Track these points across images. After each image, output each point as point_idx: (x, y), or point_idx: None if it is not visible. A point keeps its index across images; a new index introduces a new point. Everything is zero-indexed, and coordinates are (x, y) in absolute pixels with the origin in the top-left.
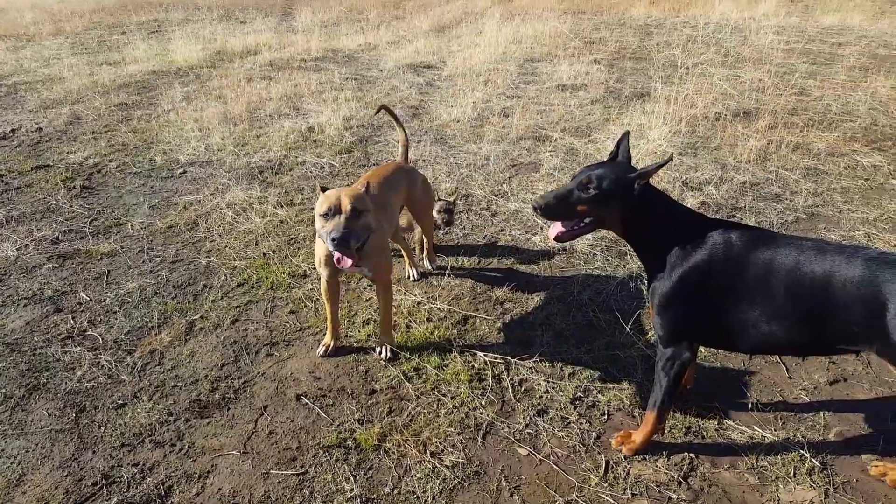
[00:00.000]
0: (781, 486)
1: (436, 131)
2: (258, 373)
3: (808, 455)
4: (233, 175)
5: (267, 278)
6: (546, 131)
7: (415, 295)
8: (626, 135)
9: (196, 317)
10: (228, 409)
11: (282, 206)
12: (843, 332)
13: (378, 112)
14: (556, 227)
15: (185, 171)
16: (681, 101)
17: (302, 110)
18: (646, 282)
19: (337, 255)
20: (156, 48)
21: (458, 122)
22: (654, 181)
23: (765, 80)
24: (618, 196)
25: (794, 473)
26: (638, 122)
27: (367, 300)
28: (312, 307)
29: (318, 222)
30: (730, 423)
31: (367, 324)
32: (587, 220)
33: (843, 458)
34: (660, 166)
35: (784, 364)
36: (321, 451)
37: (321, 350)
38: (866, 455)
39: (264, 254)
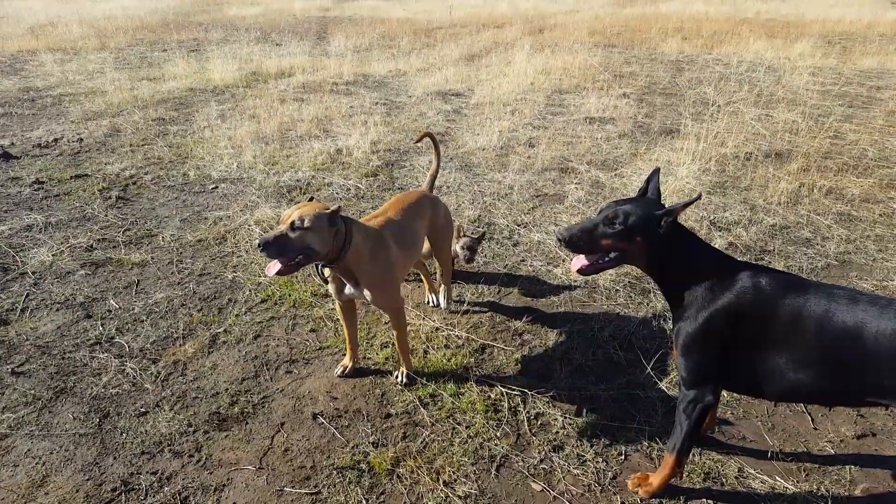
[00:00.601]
0: None
1: (461, 158)
2: (277, 389)
3: None
4: (262, 193)
5: (290, 296)
6: (572, 163)
7: (433, 321)
8: (657, 171)
9: (220, 330)
10: (246, 423)
11: None
12: (873, 384)
13: (420, 140)
14: (580, 260)
15: (216, 187)
16: (711, 139)
17: (331, 133)
18: (670, 321)
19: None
20: (194, 66)
21: (483, 150)
22: (681, 219)
23: (798, 121)
24: (643, 233)
25: None
26: (666, 158)
27: (386, 323)
28: (332, 327)
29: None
30: (750, 471)
31: (385, 347)
32: (612, 255)
33: None
34: (687, 205)
35: (809, 414)
36: (335, 472)
37: (339, 370)
38: None
39: None
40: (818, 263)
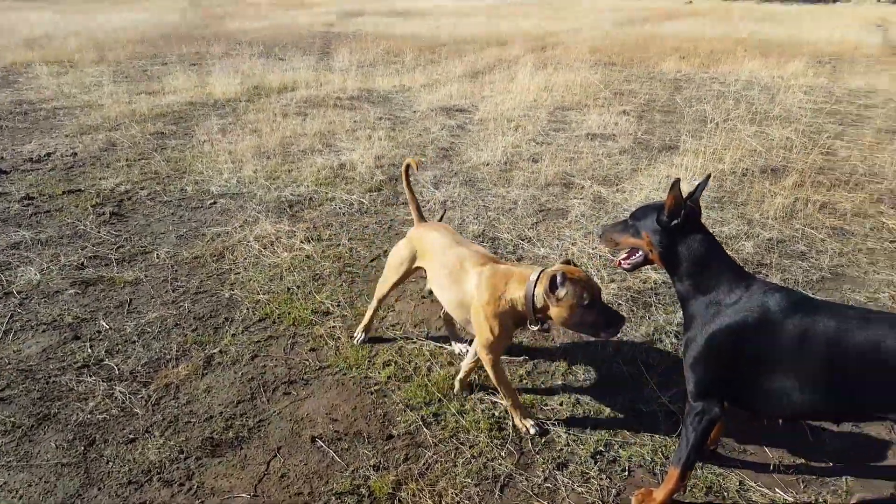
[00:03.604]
0: None
1: (465, 174)
2: (274, 412)
3: None
4: (262, 208)
5: (289, 314)
6: (574, 179)
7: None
8: (708, 177)
9: (215, 350)
10: (241, 448)
11: (309, 241)
12: (884, 402)
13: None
14: (621, 256)
15: (215, 202)
16: (709, 156)
17: (335, 147)
18: (673, 336)
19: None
20: (195, 80)
21: (487, 165)
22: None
23: (792, 138)
24: (650, 230)
25: None
26: (666, 173)
27: (388, 340)
28: (333, 345)
29: (580, 314)
30: (751, 484)
31: (388, 365)
32: (639, 253)
33: None
34: (675, 205)
35: (807, 427)
36: (333, 498)
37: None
38: None
39: (288, 289)
40: (813, 276)
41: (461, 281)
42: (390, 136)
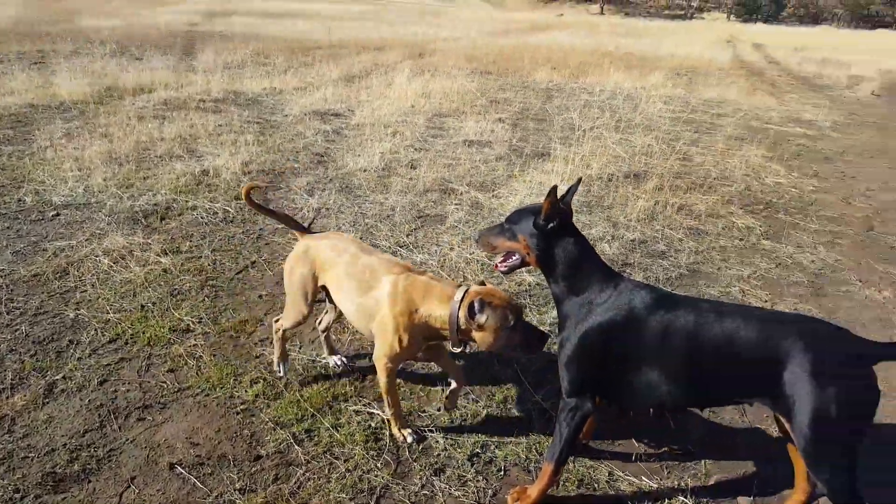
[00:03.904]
0: None
1: (341, 180)
2: (127, 440)
3: (689, 502)
4: (113, 219)
5: (144, 333)
6: (452, 185)
7: (311, 350)
8: (579, 181)
9: (58, 377)
10: (89, 481)
11: (166, 254)
12: (742, 388)
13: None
14: (498, 259)
15: (58, 214)
16: (577, 162)
17: (197, 152)
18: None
19: None
20: (37, 80)
21: (364, 171)
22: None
23: (653, 145)
24: (526, 233)
25: None
26: (538, 179)
27: (257, 356)
28: (194, 365)
29: (506, 337)
30: (619, 474)
31: (256, 383)
32: (515, 256)
33: (722, 502)
34: (554, 203)
35: (669, 416)
36: None
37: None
38: (742, 497)
39: (142, 306)
40: (672, 273)
41: (371, 289)
42: (259, 141)
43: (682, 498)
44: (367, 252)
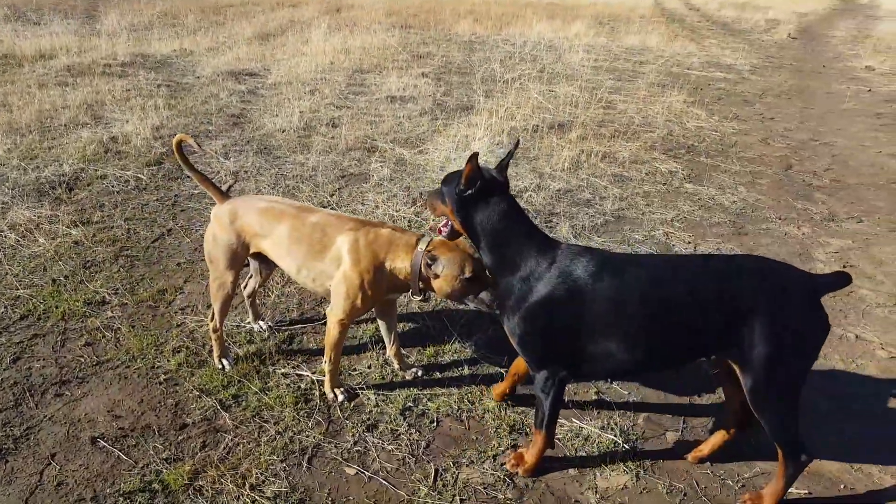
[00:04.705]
0: (598, 474)
1: (259, 141)
2: (45, 417)
3: (620, 441)
4: (17, 192)
5: (57, 308)
6: (376, 142)
7: (234, 316)
8: (517, 143)
9: None
10: (6, 462)
11: (76, 226)
12: (702, 345)
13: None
14: (441, 223)
15: None
16: (502, 114)
17: (104, 119)
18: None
19: None
20: None
21: (283, 132)
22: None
23: (576, 94)
24: (450, 198)
25: (610, 461)
26: (463, 133)
27: (178, 325)
28: (112, 337)
29: (461, 286)
30: (562, 421)
31: (179, 352)
32: (450, 222)
33: (652, 440)
34: (471, 176)
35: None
36: (122, 499)
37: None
38: (671, 434)
39: (54, 280)
40: (598, 221)
41: (325, 249)
42: (170, 105)
43: (611, 436)
44: (309, 211)
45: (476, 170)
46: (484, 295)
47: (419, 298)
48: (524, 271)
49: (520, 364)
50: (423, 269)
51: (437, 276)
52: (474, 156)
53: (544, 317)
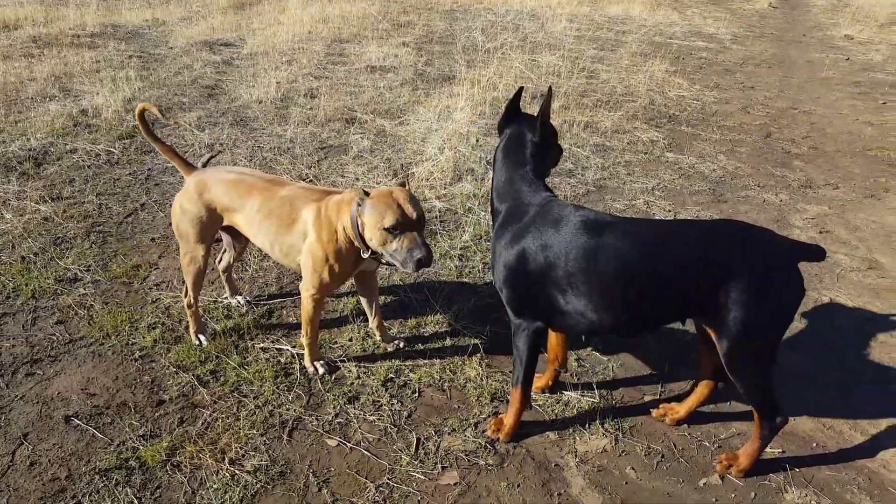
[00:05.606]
0: (578, 438)
1: (235, 112)
2: (16, 396)
3: (599, 405)
4: None
5: (27, 286)
6: (356, 113)
7: (211, 291)
8: (549, 91)
9: None
10: None
11: (46, 201)
12: (678, 308)
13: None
14: None
15: None
16: (484, 84)
17: (73, 92)
18: (457, 258)
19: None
20: None
21: (260, 103)
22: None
23: (559, 64)
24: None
25: (589, 424)
26: (445, 104)
27: (153, 301)
28: (85, 315)
29: (381, 237)
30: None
31: (154, 328)
32: None
33: (630, 404)
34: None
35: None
36: (97, 477)
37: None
38: (649, 397)
39: (23, 258)
40: (580, 190)
41: (294, 223)
42: (142, 76)
43: (590, 401)
44: (279, 184)
45: (512, 103)
46: (416, 252)
47: (367, 256)
48: (515, 216)
49: (555, 348)
50: (357, 220)
51: (362, 224)
52: (519, 90)
53: (516, 263)
